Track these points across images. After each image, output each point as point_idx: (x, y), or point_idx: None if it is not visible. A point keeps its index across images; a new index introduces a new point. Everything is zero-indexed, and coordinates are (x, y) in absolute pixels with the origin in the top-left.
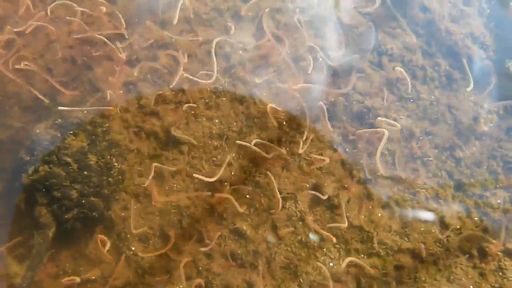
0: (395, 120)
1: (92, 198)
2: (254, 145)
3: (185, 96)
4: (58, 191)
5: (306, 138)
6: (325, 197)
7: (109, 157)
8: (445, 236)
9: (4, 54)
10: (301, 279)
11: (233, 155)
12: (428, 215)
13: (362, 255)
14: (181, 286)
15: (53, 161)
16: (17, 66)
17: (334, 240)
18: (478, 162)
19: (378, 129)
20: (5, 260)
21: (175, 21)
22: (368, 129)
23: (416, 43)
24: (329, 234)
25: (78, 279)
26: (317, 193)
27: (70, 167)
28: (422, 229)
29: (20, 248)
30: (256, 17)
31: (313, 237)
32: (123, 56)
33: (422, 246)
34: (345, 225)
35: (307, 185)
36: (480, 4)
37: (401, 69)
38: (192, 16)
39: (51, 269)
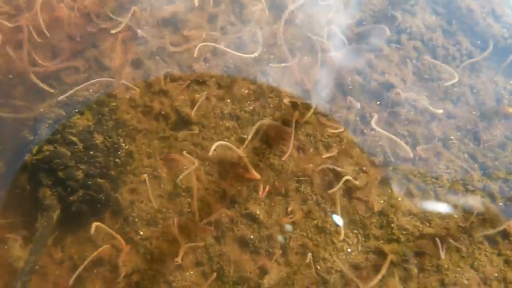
0: (415, 100)
1: (99, 180)
2: (267, 127)
3: (195, 74)
4: (63, 172)
5: (322, 119)
6: (342, 180)
7: (116, 137)
8: (468, 221)
9: (8, 32)
10: (318, 266)
11: (245, 136)
12: (450, 200)
13: (382, 241)
14: (191, 272)
15: (58, 140)
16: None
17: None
18: (502, 144)
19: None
20: (7, 243)
21: None
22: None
23: (436, 21)
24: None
25: None
26: (334, 176)
27: (75, 146)
28: (444, 214)
29: (23, 230)
30: None
31: (337, 219)
32: (130, 32)
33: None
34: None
35: (324, 168)
36: None
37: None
38: None
39: (55, 254)
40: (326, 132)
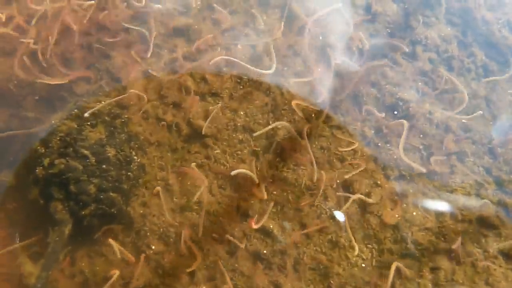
0: (430, 113)
1: (111, 194)
2: (281, 139)
3: (208, 86)
4: (74, 186)
5: (335, 132)
6: (356, 195)
7: (128, 150)
8: (483, 236)
9: (17, 40)
10: (331, 281)
11: (259, 149)
12: (465, 214)
13: (396, 256)
14: (204, 287)
15: (70, 154)
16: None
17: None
18: None
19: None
20: (19, 259)
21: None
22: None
23: (451, 32)
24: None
25: None
26: (347, 193)
27: (87, 160)
28: (460, 229)
29: (35, 246)
30: (284, 4)
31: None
32: (143, 44)
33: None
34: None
35: (338, 181)
36: None
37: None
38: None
39: (66, 268)
40: (341, 146)
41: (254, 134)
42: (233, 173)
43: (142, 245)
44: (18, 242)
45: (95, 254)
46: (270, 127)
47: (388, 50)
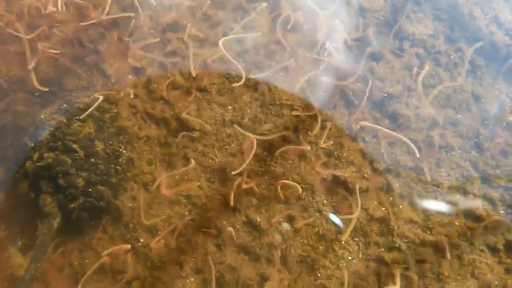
0: (417, 107)
1: (99, 187)
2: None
3: (196, 81)
4: (63, 179)
5: (323, 127)
6: (342, 188)
7: (117, 144)
8: (469, 229)
9: (8, 35)
10: (318, 273)
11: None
12: (451, 208)
13: (382, 249)
14: (192, 280)
15: (59, 148)
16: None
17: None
18: (504, 152)
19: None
20: (7, 251)
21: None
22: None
23: (438, 28)
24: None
25: None
26: (335, 184)
27: (76, 154)
28: (445, 222)
29: (24, 238)
30: None
31: (335, 219)
32: (131, 39)
33: (446, 245)
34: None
35: (325, 175)
36: None
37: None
38: None
39: (56, 261)
40: (328, 140)
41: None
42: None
43: (131, 238)
44: (6, 234)
45: (85, 247)
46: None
47: (375, 46)
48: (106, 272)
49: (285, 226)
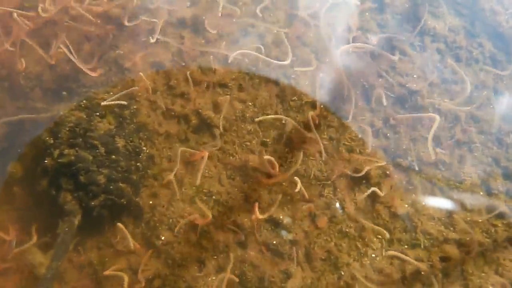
0: (438, 103)
1: (120, 184)
2: (290, 130)
3: (217, 77)
4: (84, 176)
5: (345, 123)
6: (364, 185)
7: (137, 140)
8: (492, 226)
9: (25, 33)
10: (342, 272)
11: (268, 140)
12: (474, 204)
13: (406, 246)
14: (214, 278)
15: (79, 144)
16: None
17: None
18: None
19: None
20: (28, 250)
21: None
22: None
23: (459, 23)
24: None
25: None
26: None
27: (97, 150)
28: (469, 218)
29: (45, 236)
30: None
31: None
32: (151, 34)
33: (474, 242)
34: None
35: (347, 172)
36: None
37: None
38: None
39: (76, 260)
40: (350, 136)
41: (256, 119)
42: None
43: (152, 236)
44: (26, 233)
45: (104, 245)
46: (274, 116)
47: (396, 41)
48: (126, 271)
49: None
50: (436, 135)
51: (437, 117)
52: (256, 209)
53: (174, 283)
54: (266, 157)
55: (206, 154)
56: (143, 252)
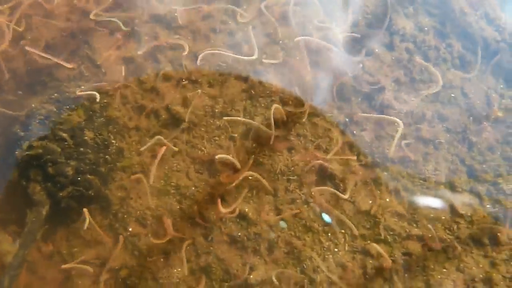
0: (405, 102)
1: (88, 176)
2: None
3: (187, 73)
4: (52, 168)
5: (312, 120)
6: (330, 180)
7: (106, 134)
8: (455, 223)
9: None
10: (304, 265)
11: (236, 135)
12: (438, 201)
13: (369, 241)
14: (179, 269)
15: (48, 137)
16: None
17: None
18: (491, 147)
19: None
20: None
21: None
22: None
23: (429, 23)
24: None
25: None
26: (323, 177)
27: (65, 142)
28: (432, 215)
29: (13, 225)
30: None
31: (326, 218)
32: (123, 30)
33: (436, 238)
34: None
35: (313, 168)
36: None
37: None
38: None
39: (45, 249)
40: (317, 133)
41: (225, 118)
42: (217, 157)
43: (119, 227)
44: None
45: (73, 236)
46: (242, 119)
47: (366, 40)
48: (94, 261)
49: (283, 224)
50: (402, 133)
51: (401, 123)
52: (219, 204)
53: (140, 274)
54: (219, 156)
55: (163, 149)
56: (110, 243)
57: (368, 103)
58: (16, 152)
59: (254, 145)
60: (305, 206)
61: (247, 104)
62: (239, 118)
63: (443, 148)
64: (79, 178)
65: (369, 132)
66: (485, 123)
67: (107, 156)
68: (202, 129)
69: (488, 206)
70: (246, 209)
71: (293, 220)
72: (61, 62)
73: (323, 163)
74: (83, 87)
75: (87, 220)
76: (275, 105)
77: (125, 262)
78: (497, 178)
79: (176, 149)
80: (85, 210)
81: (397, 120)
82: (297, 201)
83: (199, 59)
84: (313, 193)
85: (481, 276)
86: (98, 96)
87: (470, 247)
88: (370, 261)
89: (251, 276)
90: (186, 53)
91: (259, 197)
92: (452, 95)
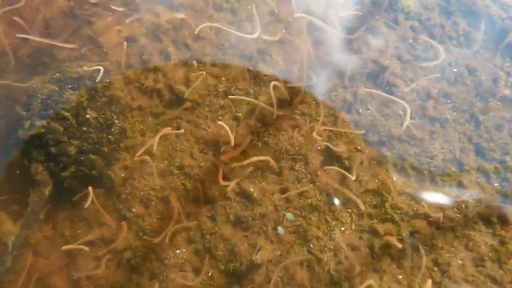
0: (411, 80)
1: (91, 156)
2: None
3: (190, 52)
4: (55, 147)
5: (317, 98)
6: (335, 159)
7: (109, 113)
8: (463, 201)
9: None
10: (311, 244)
11: (240, 114)
12: (445, 179)
13: (376, 220)
14: (184, 250)
15: (50, 116)
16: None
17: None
18: (498, 125)
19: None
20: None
21: None
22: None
23: (434, 1)
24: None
25: None
26: (329, 155)
27: (68, 122)
28: (439, 194)
29: (15, 205)
30: None
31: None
32: (125, 9)
33: (440, 216)
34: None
35: (318, 147)
36: None
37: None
38: None
39: (47, 231)
40: (321, 111)
41: (230, 97)
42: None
43: (123, 208)
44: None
45: (77, 218)
46: (247, 99)
47: (370, 18)
48: (98, 243)
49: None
50: (408, 112)
51: (408, 108)
52: (220, 176)
53: (144, 255)
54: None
55: (169, 130)
56: (114, 224)
57: (373, 81)
58: (18, 132)
59: (258, 124)
60: (311, 185)
61: (251, 84)
62: (243, 97)
63: (449, 127)
64: (82, 158)
65: (375, 111)
66: (492, 101)
67: (110, 136)
68: (206, 108)
69: (496, 184)
70: (251, 189)
71: (299, 199)
72: (60, 44)
73: (329, 142)
74: (85, 66)
75: (90, 198)
76: (273, 82)
77: (129, 243)
78: (505, 156)
79: (182, 130)
80: (90, 187)
81: (403, 103)
82: (303, 180)
83: (197, 30)
84: (319, 172)
85: (490, 254)
86: (102, 69)
87: (478, 225)
88: (377, 240)
89: (257, 256)
90: (188, 32)
91: (264, 177)
92: (458, 73)
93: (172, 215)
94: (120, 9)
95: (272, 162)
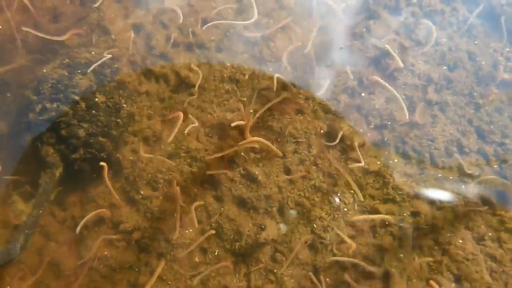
0: (412, 65)
1: (101, 138)
2: (266, 89)
3: (196, 38)
4: (65, 130)
5: (320, 83)
6: (337, 142)
7: (117, 97)
8: (463, 183)
9: None
10: (314, 225)
11: (245, 99)
12: (446, 161)
13: (377, 201)
14: (191, 230)
15: (60, 99)
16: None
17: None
18: (498, 109)
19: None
20: (11, 198)
21: None
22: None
23: None
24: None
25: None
26: (331, 138)
27: (77, 105)
28: (440, 175)
29: (27, 186)
30: None
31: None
32: None
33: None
34: (362, 164)
35: (322, 130)
36: None
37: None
38: None
39: (57, 213)
40: (325, 95)
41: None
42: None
43: (131, 190)
44: (10, 182)
45: (87, 200)
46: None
47: (371, 4)
48: (107, 223)
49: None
50: (409, 96)
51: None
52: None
53: (152, 235)
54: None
55: (181, 114)
56: (123, 206)
57: (375, 66)
58: (30, 115)
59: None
60: (314, 167)
61: (256, 69)
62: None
63: (450, 110)
64: (91, 141)
65: (377, 95)
66: (491, 85)
67: (118, 120)
68: (212, 93)
69: (495, 166)
70: (256, 172)
71: (302, 181)
72: (58, 39)
73: (332, 125)
74: (93, 52)
75: (105, 172)
76: (276, 75)
77: (138, 224)
78: (504, 138)
79: (195, 123)
80: (103, 163)
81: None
82: (306, 162)
83: (207, 20)
84: (321, 154)
85: (490, 234)
86: (110, 55)
87: (478, 205)
88: (380, 220)
89: (262, 235)
90: (194, 19)
91: (269, 159)
92: (458, 58)
93: (176, 197)
94: None
95: (270, 145)
